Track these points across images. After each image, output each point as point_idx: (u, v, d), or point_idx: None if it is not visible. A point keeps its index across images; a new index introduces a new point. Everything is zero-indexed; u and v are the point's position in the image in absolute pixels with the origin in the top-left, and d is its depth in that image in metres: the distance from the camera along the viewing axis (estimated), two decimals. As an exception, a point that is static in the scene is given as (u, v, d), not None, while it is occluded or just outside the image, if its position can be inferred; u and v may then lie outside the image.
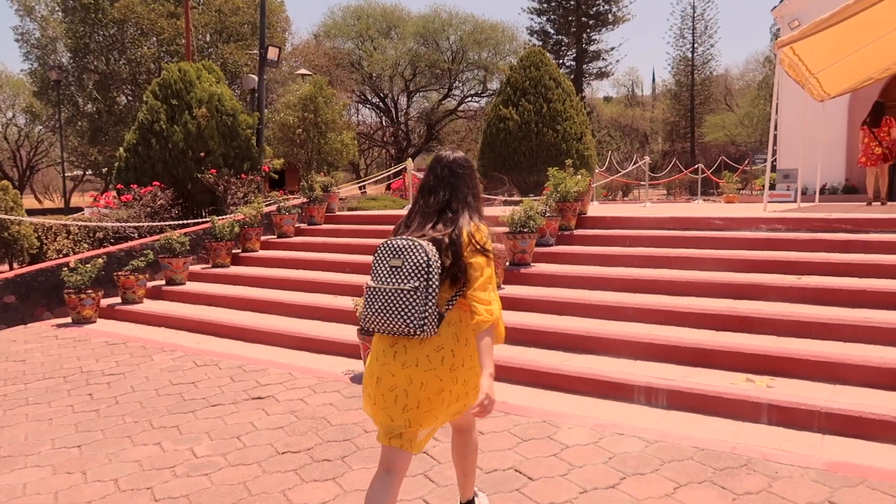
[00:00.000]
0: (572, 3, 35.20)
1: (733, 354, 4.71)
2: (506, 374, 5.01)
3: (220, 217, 9.15)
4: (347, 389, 4.91)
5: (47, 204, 46.88)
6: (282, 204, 9.83)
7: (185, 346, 6.41)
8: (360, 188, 32.94)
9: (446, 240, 2.45)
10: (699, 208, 11.21)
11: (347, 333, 6.05)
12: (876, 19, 8.77)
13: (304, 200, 10.37)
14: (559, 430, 4.02)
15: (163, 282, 8.55)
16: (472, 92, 38.85)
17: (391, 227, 9.43)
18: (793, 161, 15.68)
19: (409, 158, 13.48)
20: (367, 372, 2.52)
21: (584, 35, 35.79)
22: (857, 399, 4.02)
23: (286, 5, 34.27)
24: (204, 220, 9.32)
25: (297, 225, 10.15)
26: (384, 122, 40.31)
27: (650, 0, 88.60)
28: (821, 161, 13.14)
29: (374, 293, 2.42)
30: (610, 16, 35.49)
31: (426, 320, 2.34)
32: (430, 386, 2.41)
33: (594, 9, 35.33)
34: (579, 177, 8.22)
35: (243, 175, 10.65)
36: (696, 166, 19.48)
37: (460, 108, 38.95)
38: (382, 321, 2.38)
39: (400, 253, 2.41)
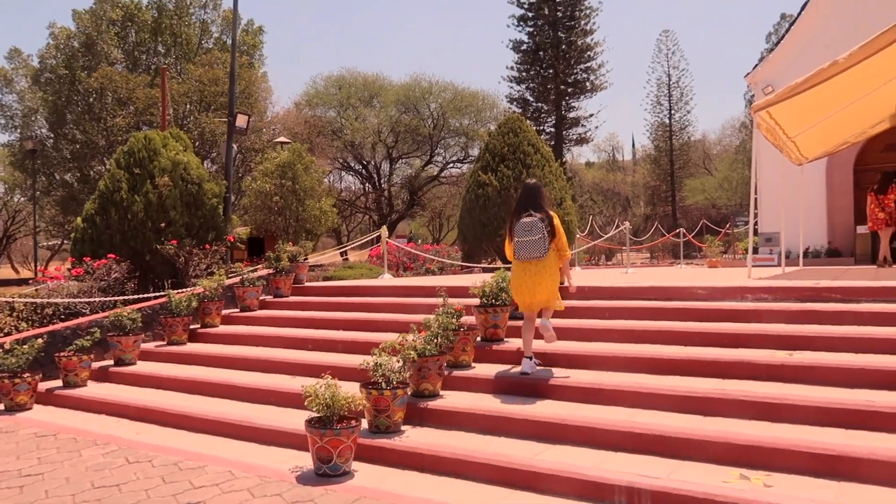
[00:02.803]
0: (550, 71, 35.85)
1: (723, 445, 4.21)
2: (467, 470, 4.47)
3: (179, 291, 8.63)
4: (291, 492, 4.32)
5: (25, 273, 45.98)
6: (245, 275, 9.34)
7: (121, 437, 5.79)
8: (341, 255, 32.63)
9: (545, 218, 5.66)
10: (682, 275, 10.86)
11: (300, 421, 5.48)
12: (850, 84, 8.66)
13: (271, 271, 9.89)
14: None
15: (111, 362, 7.95)
16: (455, 158, 39.15)
17: (361, 300, 8.95)
18: (774, 224, 15.50)
19: (384, 226, 13.07)
20: (515, 280, 5.83)
21: (563, 102, 36.31)
22: (868, 499, 3.52)
23: (269, 76, 34.70)
24: (161, 294, 8.78)
25: (261, 297, 9.64)
26: (367, 189, 40.31)
27: (628, 67, 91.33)
28: (802, 224, 12.93)
29: (521, 244, 5.65)
30: (588, 84, 36.13)
31: (544, 251, 5.58)
32: (543, 283, 5.67)
33: (572, 77, 35.98)
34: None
35: (207, 245, 10.19)
36: (677, 230, 19.30)
37: (442, 174, 39.11)
38: (527, 254, 5.61)
39: (529, 224, 5.62)
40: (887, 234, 11.35)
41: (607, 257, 35.20)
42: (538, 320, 5.82)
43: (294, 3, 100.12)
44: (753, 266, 13.36)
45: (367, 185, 39.91)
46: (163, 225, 9.65)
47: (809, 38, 15.48)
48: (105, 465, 5.06)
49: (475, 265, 15.85)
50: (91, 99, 24.70)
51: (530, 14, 35.98)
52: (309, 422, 4.65)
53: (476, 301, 6.73)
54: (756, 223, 18.81)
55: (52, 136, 27.70)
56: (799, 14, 16.27)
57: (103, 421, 6.43)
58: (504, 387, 5.69)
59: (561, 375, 5.64)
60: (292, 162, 21.65)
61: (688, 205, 46.86)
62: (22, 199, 38.04)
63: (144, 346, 8.36)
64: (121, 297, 8.66)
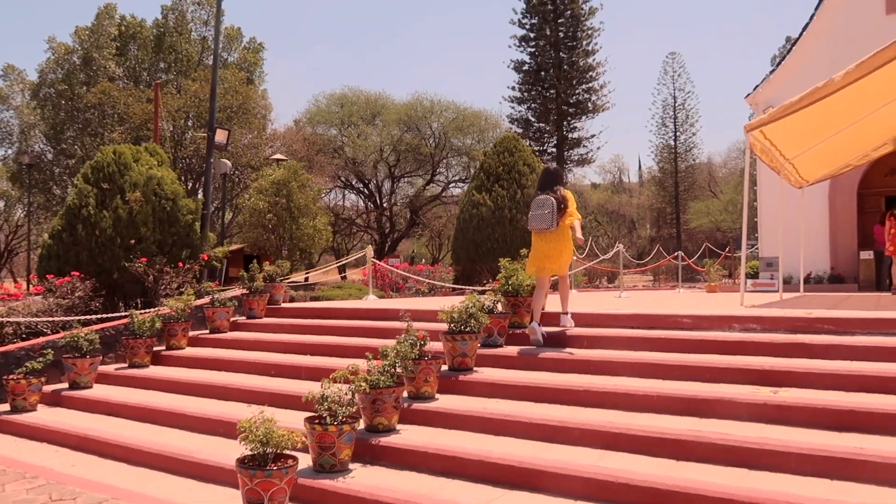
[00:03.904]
0: (552, 92, 35.66)
1: (698, 499, 3.77)
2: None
3: (143, 311, 8.26)
4: (213, 541, 3.90)
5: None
6: (216, 296, 8.97)
7: (53, 470, 5.39)
8: (340, 273, 32.28)
9: (558, 195, 6.45)
10: (675, 300, 10.44)
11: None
12: (850, 105, 8.28)
13: (244, 291, 9.52)
14: None
15: (66, 385, 7.57)
16: (457, 178, 38.85)
17: (335, 323, 8.55)
18: (775, 249, 15.04)
19: (369, 246, 12.71)
20: (532, 250, 6.70)
21: (565, 123, 36.07)
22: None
23: (269, 93, 34.66)
24: (124, 314, 8.41)
25: (233, 318, 9.25)
26: (368, 207, 40.05)
27: (634, 88, 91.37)
28: (804, 249, 12.50)
29: (533, 216, 6.48)
30: (589, 104, 35.89)
31: (550, 223, 6.36)
32: (556, 250, 6.50)
33: (574, 97, 35.76)
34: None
35: (181, 264, 9.83)
36: (676, 253, 18.87)
37: (444, 193, 38.83)
38: (536, 225, 6.45)
39: (542, 200, 6.44)
40: None
41: (610, 280, 34.69)
42: (561, 317, 6.79)
43: (298, 22, 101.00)
44: (751, 292, 12.96)
45: (368, 203, 39.66)
46: (132, 242, 9.31)
47: (811, 59, 15.14)
48: (26, 503, 4.65)
49: (467, 287, 15.42)
50: (88, 114, 24.58)
51: (532, 34, 35.89)
52: (241, 461, 4.24)
53: (443, 327, 6.32)
54: (756, 247, 18.37)
55: (50, 150, 27.61)
56: (800, 35, 15.96)
57: (43, 450, 6.03)
58: (468, 423, 5.26)
59: (527, 410, 5.21)
60: (287, 179, 21.38)
61: (693, 228, 46.36)
62: (23, 214, 38.00)
63: (104, 368, 7.98)
64: (83, 317, 8.29)
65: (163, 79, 28.36)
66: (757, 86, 16.37)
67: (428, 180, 38.26)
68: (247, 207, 21.66)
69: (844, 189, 15.11)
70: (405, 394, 5.67)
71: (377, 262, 13.36)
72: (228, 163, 22.28)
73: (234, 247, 28.58)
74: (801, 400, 4.61)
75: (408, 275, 15.32)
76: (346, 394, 4.85)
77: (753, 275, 15.66)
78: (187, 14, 29.27)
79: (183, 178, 25.56)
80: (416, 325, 7.26)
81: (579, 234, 6.62)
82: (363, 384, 4.99)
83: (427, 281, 15.33)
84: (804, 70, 15.02)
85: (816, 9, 15.58)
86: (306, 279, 22.18)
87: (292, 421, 5.26)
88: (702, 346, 5.90)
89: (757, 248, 17.56)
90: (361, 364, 5.30)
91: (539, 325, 6.55)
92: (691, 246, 39.99)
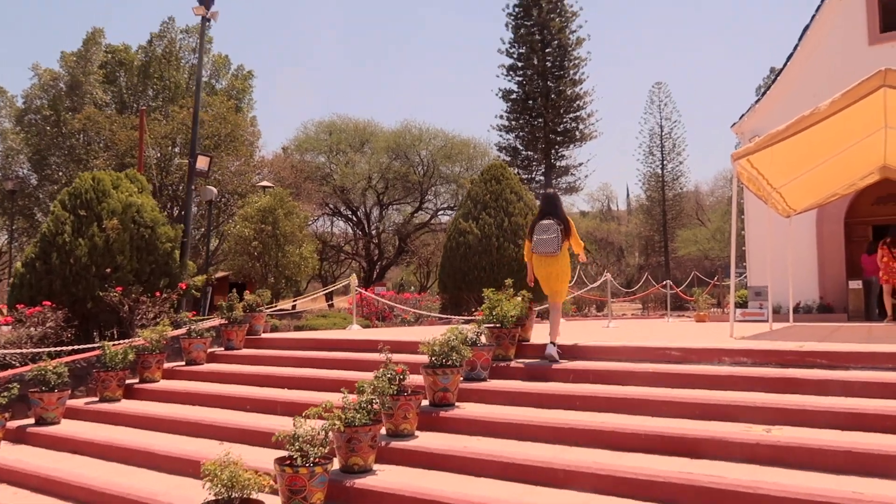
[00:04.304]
0: (540, 120, 35.80)
1: (685, 546, 3.55)
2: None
3: (116, 342, 7.98)
4: None
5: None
6: (192, 326, 8.70)
7: (8, 515, 5.09)
8: (327, 301, 31.93)
9: (561, 220, 6.76)
10: (664, 330, 10.26)
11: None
12: (836, 134, 8.24)
13: (223, 322, 9.26)
14: None
15: (32, 420, 7.25)
16: (445, 205, 38.80)
17: (315, 355, 8.29)
18: (763, 278, 14.95)
19: (353, 275, 12.50)
20: (536, 271, 6.96)
21: (553, 151, 36.17)
22: None
23: (258, 120, 34.63)
24: (95, 345, 8.12)
25: (211, 350, 8.98)
26: (356, 235, 39.84)
27: (620, 118, 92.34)
28: (792, 278, 12.40)
29: (538, 241, 6.74)
30: (577, 133, 36.04)
31: (556, 248, 6.67)
32: (555, 275, 6.83)
33: (561, 126, 35.91)
34: (519, 298, 7.24)
35: (158, 293, 9.56)
36: (664, 282, 18.75)
37: (432, 221, 38.72)
38: (542, 249, 6.71)
39: (547, 225, 6.72)
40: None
41: (598, 308, 34.54)
42: (548, 346, 6.73)
43: (288, 50, 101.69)
44: (742, 320, 12.82)
45: (357, 231, 39.47)
46: (108, 270, 9.04)
47: (795, 89, 15.22)
48: (-26, 552, 4.35)
49: (453, 316, 15.18)
50: (73, 140, 24.36)
51: (520, 63, 36.14)
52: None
53: (424, 359, 6.10)
54: (744, 276, 18.29)
55: (35, 176, 27.32)
56: (785, 64, 16.06)
57: (1, 492, 5.71)
58: (449, 463, 5.01)
59: (509, 450, 4.98)
60: (273, 206, 21.21)
61: (681, 255, 46.42)
62: (6, 240, 37.48)
63: (74, 402, 7.67)
64: (54, 349, 8.00)
65: (150, 106, 28.25)
66: (743, 115, 16.42)
67: (416, 208, 38.18)
68: (232, 235, 21.43)
69: (832, 218, 15.08)
70: (384, 430, 5.43)
71: (361, 290, 13.13)
72: (214, 189, 22.05)
73: (219, 274, 28.25)
74: (795, 439, 4.41)
75: (392, 304, 15.06)
76: (319, 432, 4.60)
77: (742, 304, 15.54)
78: (175, 42, 29.26)
79: (169, 206, 25.30)
80: (397, 357, 7.04)
81: (584, 258, 7.58)
82: (337, 422, 4.75)
83: (412, 310, 15.08)
84: (789, 100, 15.09)
85: (800, 39, 15.71)
86: (293, 307, 21.89)
87: (263, 460, 5.02)
88: (691, 380, 5.71)
89: (745, 277, 17.47)
90: (338, 399, 5.07)
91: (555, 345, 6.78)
92: (679, 274, 39.95)
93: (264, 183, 23.75)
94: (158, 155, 25.03)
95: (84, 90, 26.58)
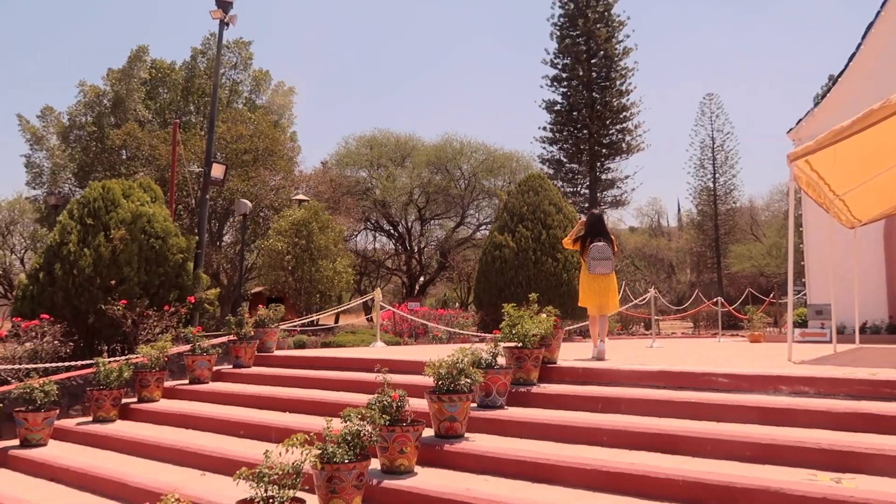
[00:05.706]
0: (585, 132, 34.82)
1: None
2: None
3: (111, 359, 7.48)
4: None
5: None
6: (197, 343, 8.17)
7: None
8: (366, 317, 31.47)
9: (610, 241, 7.52)
10: (715, 352, 9.29)
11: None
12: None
13: (232, 338, 8.71)
14: None
15: (17, 442, 6.77)
16: (487, 220, 38.04)
17: (326, 374, 7.65)
18: (825, 295, 13.71)
19: (377, 289, 11.86)
20: (587, 286, 7.49)
21: (598, 164, 35.10)
22: None
23: (298, 135, 34.64)
24: (89, 362, 7.64)
25: (218, 367, 8.44)
26: (398, 250, 39.41)
27: (671, 130, 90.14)
28: (857, 295, 11.21)
29: (595, 263, 7.35)
30: (623, 144, 34.90)
31: (611, 269, 7.44)
32: (608, 293, 7.46)
33: (607, 138, 34.84)
34: (544, 315, 6.45)
35: (168, 307, 9.09)
36: (715, 299, 17.56)
37: (474, 235, 38.01)
38: (600, 271, 7.35)
39: (602, 248, 7.38)
40: None
41: (646, 326, 33.17)
42: (598, 343, 7.30)
43: (329, 64, 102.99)
44: (800, 342, 11.66)
45: (397, 245, 39.04)
46: (112, 283, 8.60)
47: (856, 92, 14.05)
48: None
49: (487, 335, 14.39)
50: (114, 155, 24.60)
51: (564, 74, 35.27)
52: None
53: (429, 382, 5.36)
54: (803, 293, 16.97)
55: (78, 190, 27.71)
56: (845, 68, 14.92)
57: (-38, 524, 5.20)
58: (447, 506, 4.25)
59: (522, 494, 4.19)
60: (308, 220, 20.84)
61: (734, 272, 44.47)
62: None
63: (65, 422, 7.19)
64: (50, 364, 7.55)
65: (191, 121, 28.43)
66: (800, 120, 15.30)
67: (458, 223, 37.55)
68: (265, 249, 21.19)
69: (902, 229, 13.78)
70: (377, 465, 4.72)
71: (385, 306, 12.49)
72: (249, 203, 21.85)
73: (256, 289, 28.07)
74: (873, 494, 3.51)
75: (421, 320, 14.36)
76: (290, 470, 3.91)
77: (801, 323, 14.33)
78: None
79: (209, 220, 25.27)
80: (408, 379, 6.37)
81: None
82: (314, 459, 4.05)
83: (443, 328, 14.35)
84: (851, 102, 13.86)
85: (863, 38, 14.56)
86: (332, 321, 21.40)
87: (240, 495, 4.35)
88: (741, 413, 4.82)
89: (804, 295, 16.18)
90: (337, 424, 4.40)
91: (603, 342, 7.38)
92: (733, 291, 38.22)
93: (299, 196, 23.46)
94: (199, 170, 25.08)
95: (127, 106, 26.89)
